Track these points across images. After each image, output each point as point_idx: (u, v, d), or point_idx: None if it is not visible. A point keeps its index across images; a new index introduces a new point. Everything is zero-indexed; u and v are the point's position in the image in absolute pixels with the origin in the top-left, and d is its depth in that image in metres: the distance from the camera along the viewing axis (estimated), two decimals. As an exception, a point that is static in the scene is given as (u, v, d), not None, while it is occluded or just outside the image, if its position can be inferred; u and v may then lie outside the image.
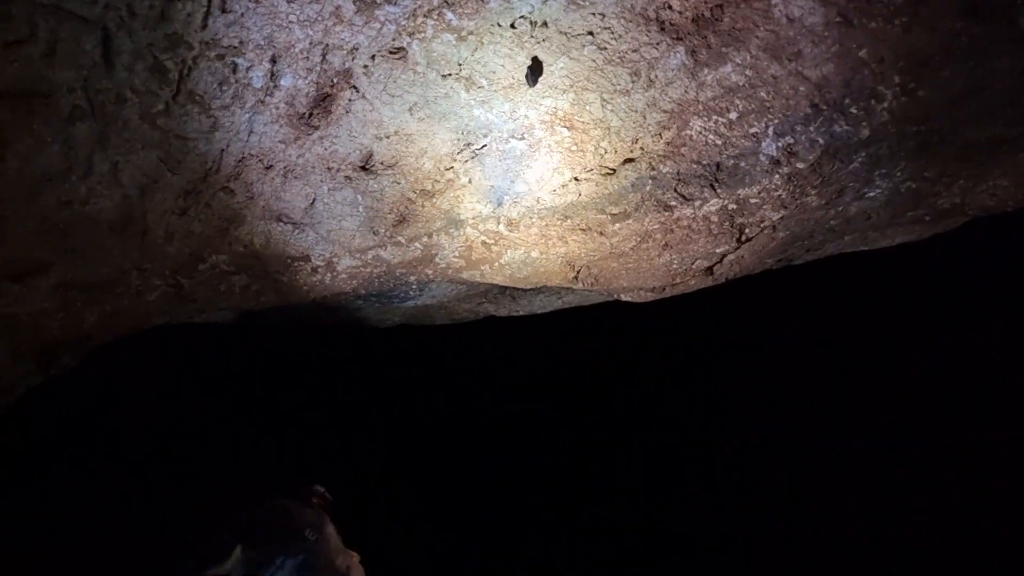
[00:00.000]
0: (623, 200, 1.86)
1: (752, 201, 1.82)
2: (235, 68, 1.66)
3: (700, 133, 1.73)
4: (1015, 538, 3.31)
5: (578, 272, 2.03)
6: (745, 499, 4.08)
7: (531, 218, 1.92)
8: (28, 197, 1.72)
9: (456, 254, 2.02)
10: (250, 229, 1.94)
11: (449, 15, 1.60)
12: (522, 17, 1.62)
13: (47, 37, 1.53)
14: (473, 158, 1.83)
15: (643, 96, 1.69)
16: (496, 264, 2.04)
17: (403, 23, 1.61)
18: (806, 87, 1.64)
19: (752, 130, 1.71)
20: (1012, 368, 3.68)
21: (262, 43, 1.63)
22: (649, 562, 4.00)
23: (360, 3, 1.56)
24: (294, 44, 1.64)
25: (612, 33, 1.62)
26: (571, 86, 1.71)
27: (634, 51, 1.64)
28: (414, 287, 2.21)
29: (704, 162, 1.77)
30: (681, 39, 1.60)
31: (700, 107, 1.69)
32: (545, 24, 1.62)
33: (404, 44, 1.66)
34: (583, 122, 1.75)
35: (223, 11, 1.55)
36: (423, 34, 1.64)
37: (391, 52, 1.68)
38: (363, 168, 1.85)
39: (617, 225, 1.90)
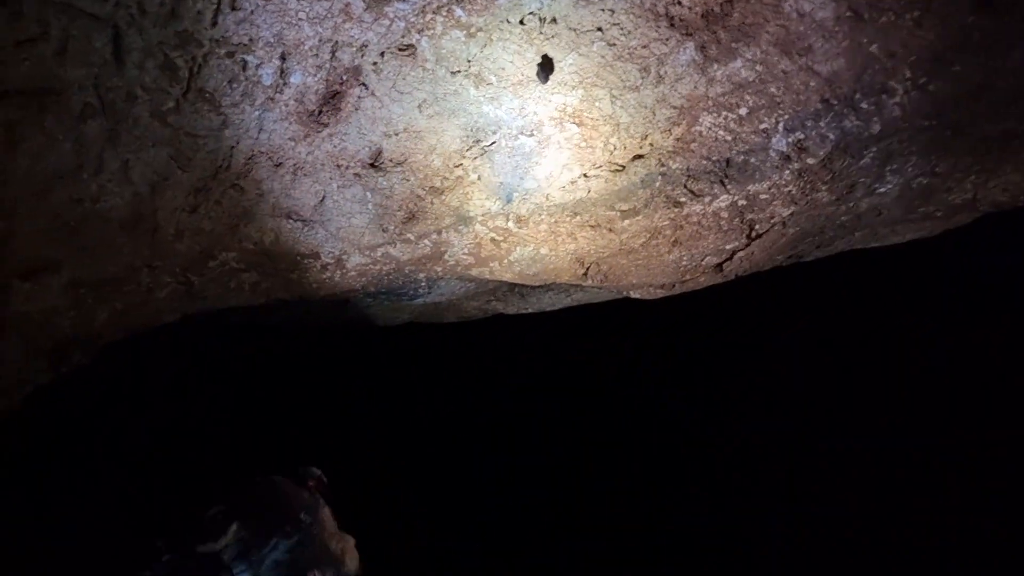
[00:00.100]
0: (633, 196, 1.85)
1: (762, 197, 1.82)
2: (245, 66, 1.67)
3: (710, 129, 1.72)
4: (1018, 538, 3.29)
5: (587, 269, 2.03)
6: (752, 499, 4.06)
7: (540, 215, 1.92)
8: (39, 195, 1.73)
9: (465, 251, 2.02)
10: (260, 226, 1.95)
11: (458, 11, 1.60)
12: (531, 13, 1.62)
13: (59, 35, 1.54)
14: (482, 155, 1.83)
15: (653, 92, 1.69)
16: (505, 261, 2.04)
17: (412, 20, 1.61)
18: (817, 82, 1.63)
19: (762, 126, 1.70)
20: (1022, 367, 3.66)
21: (272, 40, 1.63)
22: (656, 562, 3.99)
23: (370, 0, 1.56)
24: (303, 41, 1.65)
25: (621, 29, 1.62)
26: (580, 82, 1.70)
27: (644, 47, 1.64)
28: (423, 284, 2.21)
29: (714, 158, 1.76)
30: (691, 35, 1.60)
31: (710, 103, 1.68)
32: (554, 20, 1.62)
33: (413, 41, 1.66)
34: (592, 118, 1.74)
35: (233, 9, 1.55)
36: (432, 31, 1.64)
37: (400, 49, 1.68)
38: (372, 165, 1.85)
39: (627, 222, 1.89)
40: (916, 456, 3.66)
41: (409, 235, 1.99)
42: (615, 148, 1.78)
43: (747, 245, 1.94)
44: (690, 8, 1.58)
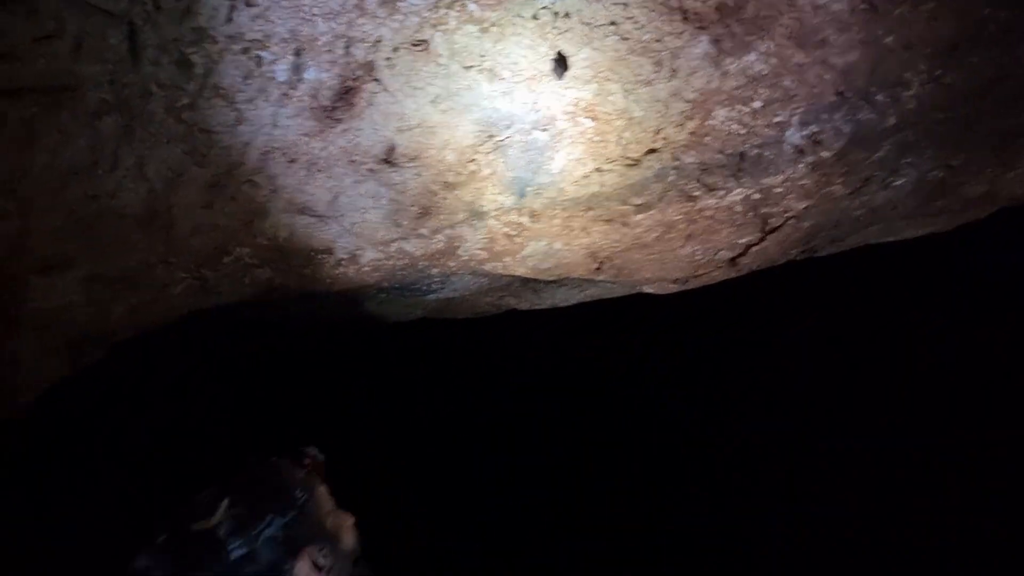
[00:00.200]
0: (646, 191, 1.85)
1: (776, 191, 1.81)
2: (259, 62, 1.67)
3: (724, 122, 1.72)
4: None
5: (601, 263, 2.03)
6: (759, 498, 4.04)
7: (554, 209, 1.92)
8: (55, 191, 1.75)
9: (479, 246, 2.02)
10: (274, 222, 1.95)
11: (472, 6, 1.60)
12: (544, 8, 1.62)
13: (74, 32, 1.55)
14: (496, 150, 1.83)
15: (666, 86, 1.69)
16: (519, 256, 2.04)
17: (426, 15, 1.61)
18: (831, 75, 1.63)
19: (776, 119, 1.70)
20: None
21: (286, 36, 1.63)
22: (666, 562, 3.98)
23: (383, -5, 1.57)
24: (318, 37, 1.65)
25: (635, 23, 1.61)
26: (594, 77, 1.70)
27: (657, 41, 1.63)
28: (437, 280, 2.22)
29: (728, 152, 1.76)
30: (704, 28, 1.60)
31: (724, 96, 1.68)
32: (567, 15, 1.62)
33: (427, 36, 1.66)
34: (606, 113, 1.74)
35: (248, 5, 1.56)
36: (446, 26, 1.64)
37: (414, 44, 1.68)
38: (386, 161, 1.86)
39: (640, 216, 1.89)
40: (925, 455, 3.64)
41: (423, 230, 1.99)
42: (628, 142, 1.78)
43: (761, 239, 1.94)
44: (704, 1, 1.57)
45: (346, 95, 1.75)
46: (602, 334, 4.02)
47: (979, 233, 2.33)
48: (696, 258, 2.00)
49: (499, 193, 1.90)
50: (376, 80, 1.73)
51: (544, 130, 1.79)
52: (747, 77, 1.65)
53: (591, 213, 1.91)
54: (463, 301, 2.59)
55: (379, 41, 1.67)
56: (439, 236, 2.01)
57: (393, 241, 2.03)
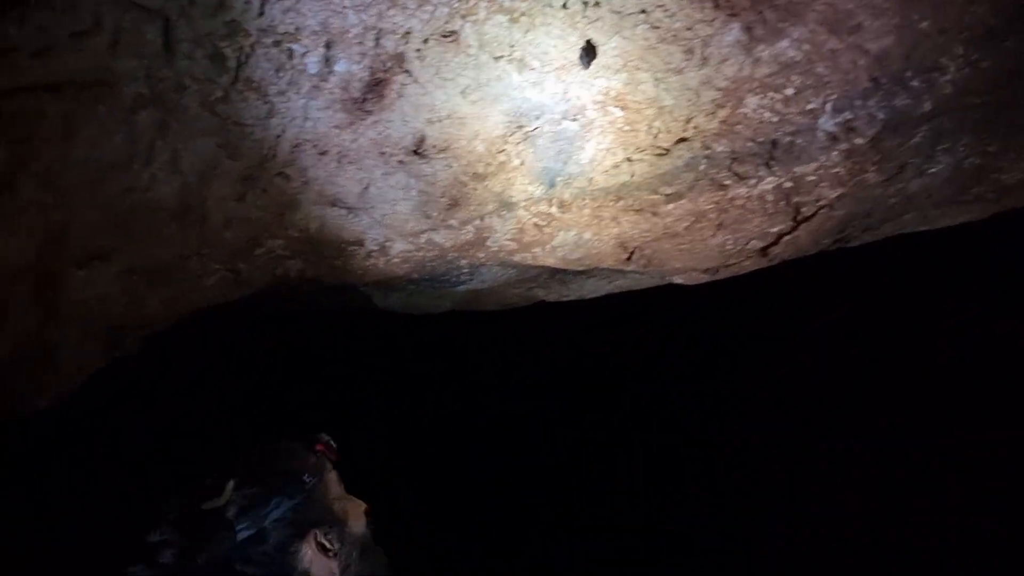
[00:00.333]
0: (676, 180, 1.84)
1: (809, 179, 1.79)
2: (291, 54, 1.69)
3: (755, 110, 1.70)
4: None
5: (631, 253, 2.03)
6: (779, 496, 3.99)
7: (583, 199, 1.92)
8: (93, 185, 1.78)
9: (508, 236, 2.03)
10: (305, 214, 1.97)
11: (501, -4, 1.61)
12: (574, -4, 1.61)
13: (111, 27, 1.57)
14: (525, 140, 1.83)
15: (697, 74, 1.67)
16: (548, 246, 2.04)
17: (456, 5, 1.61)
18: (866, 61, 1.61)
19: (809, 106, 1.68)
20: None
21: (317, 29, 1.65)
22: (682, 562, 3.95)
23: (413, -14, 1.57)
24: (348, 29, 1.66)
25: (665, 11, 1.60)
26: (624, 66, 1.69)
27: (688, 29, 1.62)
28: (465, 271, 2.23)
29: (759, 140, 1.74)
30: (736, 15, 1.58)
31: (755, 84, 1.66)
32: (597, 3, 1.61)
33: (456, 27, 1.66)
34: (636, 102, 1.73)
35: (280, -2, 1.58)
36: (475, 16, 1.65)
37: (443, 35, 1.69)
38: (416, 152, 1.86)
39: (670, 205, 1.88)
40: (950, 454, 3.56)
41: (452, 221, 2.00)
42: (659, 131, 1.77)
43: (793, 228, 1.92)
44: (735, -12, 1.56)
45: (376, 87, 1.76)
46: (628, 326, 3.99)
47: (1015, 223, 2.29)
48: (727, 248, 1.99)
49: (529, 183, 1.91)
50: (406, 72, 1.73)
51: (574, 120, 1.79)
52: (779, 64, 1.63)
53: (621, 203, 1.91)
54: (491, 293, 2.59)
55: (409, 32, 1.68)
56: (468, 227, 2.02)
57: (423, 232, 2.04)
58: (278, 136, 1.82)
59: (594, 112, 1.77)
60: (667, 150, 1.80)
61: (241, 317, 2.58)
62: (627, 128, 1.78)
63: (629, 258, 2.04)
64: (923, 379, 3.70)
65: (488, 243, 2.05)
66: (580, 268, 2.14)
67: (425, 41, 1.69)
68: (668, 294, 2.57)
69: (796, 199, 1.84)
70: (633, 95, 1.73)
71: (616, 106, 1.75)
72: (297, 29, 1.65)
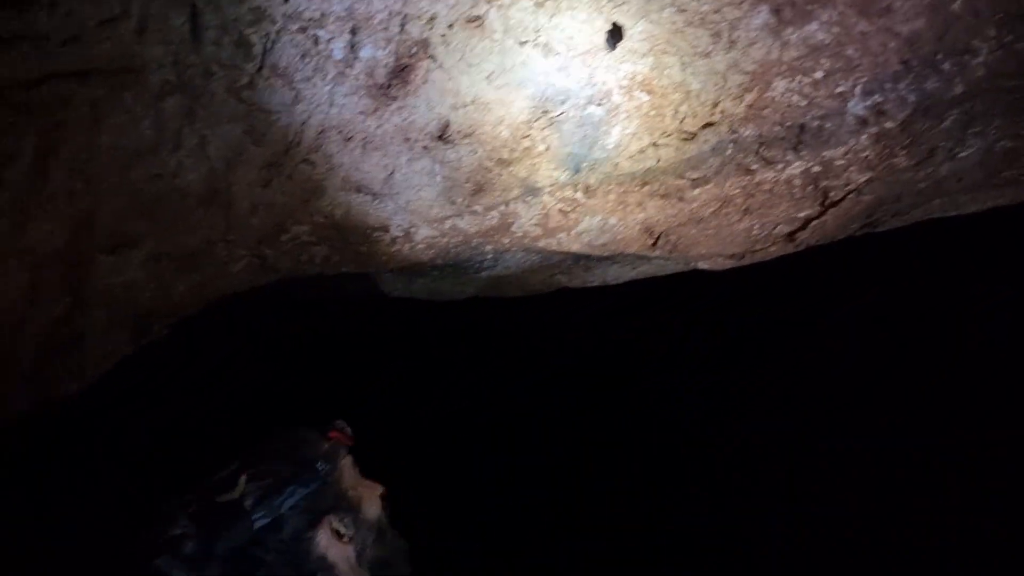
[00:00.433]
0: (703, 165, 1.83)
1: (837, 163, 1.78)
2: (316, 40, 1.69)
3: (783, 94, 1.68)
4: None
5: (656, 239, 2.01)
6: (801, 492, 3.93)
7: (609, 184, 1.91)
8: (121, 171, 1.79)
9: (533, 222, 2.02)
10: (330, 200, 1.98)
11: (527, -20, 1.60)
12: (600, -20, 1.60)
13: (138, 14, 1.59)
14: (550, 125, 1.82)
15: (724, 58, 1.66)
16: (573, 232, 2.03)
17: (481, -10, 1.61)
18: (896, 43, 1.59)
19: (838, 89, 1.66)
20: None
21: (343, 15, 1.65)
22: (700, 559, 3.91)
23: (439, -29, 1.57)
24: (374, 15, 1.66)
25: (692, -7, 1.59)
26: (650, 50, 1.68)
27: (715, 12, 1.61)
28: (490, 257, 2.22)
29: (787, 124, 1.73)
30: (765, -3, 1.57)
31: (784, 67, 1.65)
32: (623, -13, 1.60)
33: (482, 12, 1.66)
34: (662, 86, 1.72)
35: (306, -17, 1.58)
36: (500, 1, 1.64)
37: (469, 20, 1.68)
38: (440, 138, 1.86)
39: (697, 190, 1.87)
40: (978, 449, 3.49)
41: (477, 207, 2.00)
42: (685, 116, 1.76)
43: (821, 214, 1.90)
44: (764, -30, 1.54)
45: (401, 73, 1.76)
46: (651, 312, 3.97)
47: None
48: (753, 233, 1.97)
49: (554, 169, 1.90)
50: (431, 57, 1.73)
51: (599, 105, 1.78)
52: (808, 47, 1.61)
53: (647, 188, 1.90)
54: (514, 279, 2.59)
55: (434, 18, 1.67)
56: (493, 213, 2.02)
57: (447, 218, 2.04)
58: (303, 122, 1.83)
59: (620, 97, 1.76)
60: (693, 135, 1.79)
61: (266, 303, 2.60)
62: (653, 113, 1.77)
63: (654, 244, 2.03)
64: (951, 368, 3.64)
65: (513, 229, 2.05)
66: (605, 254, 2.13)
67: (450, 26, 1.68)
68: (692, 280, 2.55)
69: (824, 184, 1.83)
70: (659, 79, 1.72)
71: (642, 91, 1.74)
72: (323, 15, 1.65)
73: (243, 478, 1.42)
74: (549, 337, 4.25)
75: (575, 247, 2.08)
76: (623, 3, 1.62)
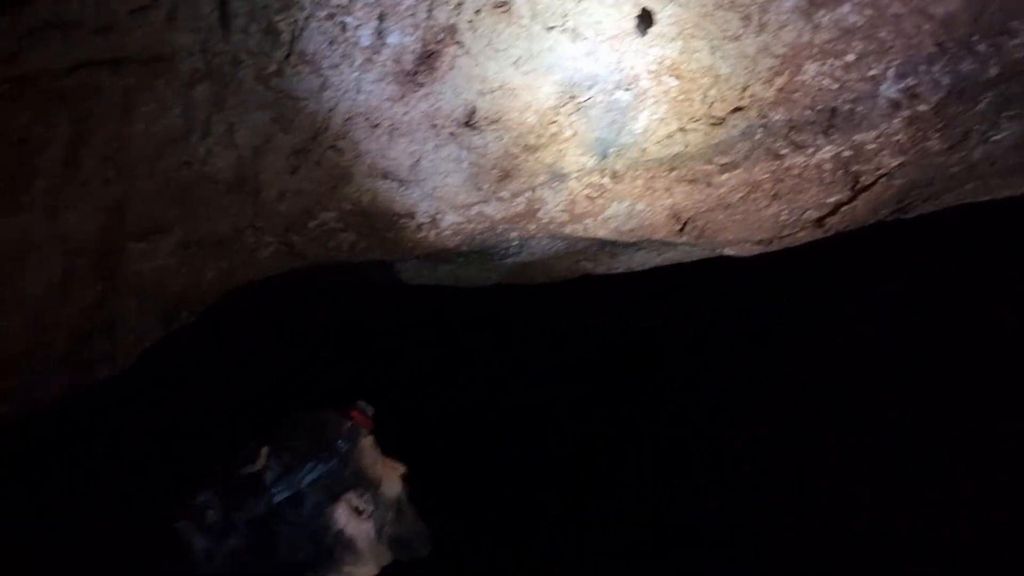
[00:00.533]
0: (732, 150, 1.82)
1: (869, 147, 1.76)
2: (344, 27, 1.69)
3: (814, 78, 1.67)
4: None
5: (684, 225, 2.00)
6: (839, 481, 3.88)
7: (636, 170, 1.90)
8: (152, 159, 1.81)
9: (560, 208, 2.02)
10: (358, 187, 1.98)
11: (555, -36, 1.59)
12: (628, -36, 1.59)
13: (169, 3, 1.60)
14: (577, 111, 1.82)
15: (754, 41, 1.64)
16: (600, 217, 2.02)
17: (509, -25, 1.60)
18: (930, 25, 1.56)
19: (871, 72, 1.64)
20: None
21: (370, 1, 1.66)
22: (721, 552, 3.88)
23: (467, -45, 1.56)
24: (401, 1, 1.67)
25: (722, -24, 1.57)
26: (679, 34, 1.67)
27: (745, -6, 1.59)
28: (515, 243, 2.22)
29: (818, 108, 1.71)
30: (796, -21, 1.55)
31: (815, 50, 1.63)
32: (652, -30, 1.59)
33: (509, -3, 1.66)
34: (691, 70, 1.71)
35: (334, -31, 1.58)
36: (528, -14, 1.64)
37: (496, 6, 1.68)
38: (467, 124, 1.86)
39: (725, 176, 1.86)
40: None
41: (503, 193, 2.00)
42: (714, 101, 1.75)
43: (851, 199, 1.89)
44: (795, -49, 1.52)
45: (428, 59, 1.76)
46: (676, 299, 3.94)
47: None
48: (782, 218, 1.96)
49: (581, 154, 1.89)
50: (458, 43, 1.73)
51: (627, 90, 1.77)
52: (840, 29, 1.59)
53: (674, 173, 1.89)
54: (539, 265, 2.59)
55: (461, 3, 1.67)
56: (519, 199, 2.01)
57: (473, 205, 2.04)
58: (330, 109, 1.83)
59: (648, 82, 1.75)
60: (722, 119, 1.77)
61: (290, 291, 2.61)
62: (681, 97, 1.76)
63: (682, 229, 2.02)
64: (981, 357, 3.58)
65: (539, 215, 2.05)
66: (631, 240, 2.12)
67: (477, 12, 1.68)
68: (718, 267, 2.54)
69: (855, 168, 1.81)
70: (688, 64, 1.70)
71: (671, 75, 1.73)
72: (350, 2, 1.65)
73: (264, 452, 1.47)
74: (571, 325, 4.23)
75: (602, 233, 2.08)
76: (651, -14, 1.61)
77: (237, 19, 1.64)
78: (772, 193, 1.88)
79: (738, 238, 2.05)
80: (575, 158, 1.90)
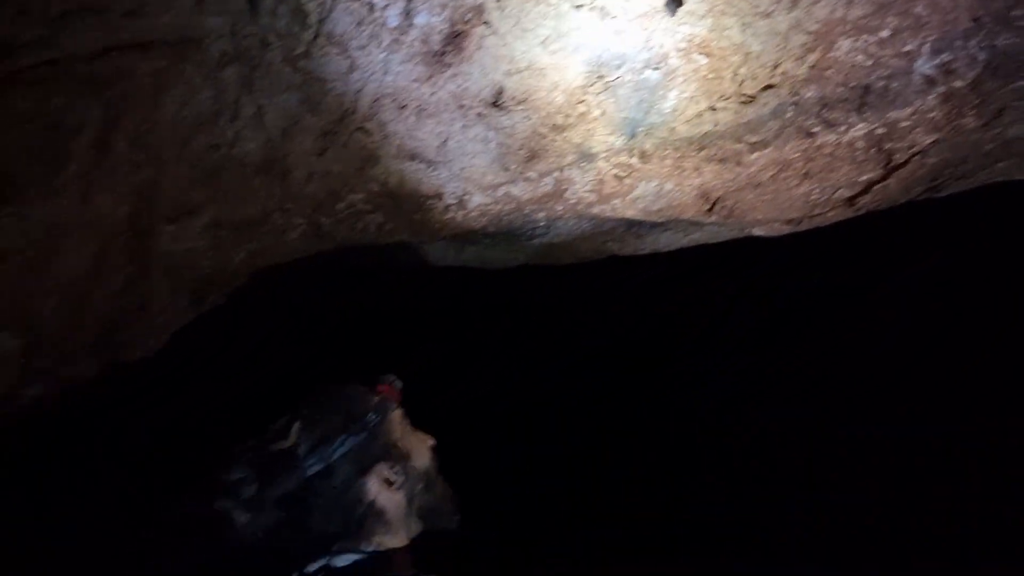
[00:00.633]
0: (762, 128, 1.80)
1: (903, 124, 1.73)
2: (371, 8, 1.68)
3: (848, 54, 1.64)
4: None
5: (713, 204, 1.99)
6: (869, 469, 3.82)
7: (665, 149, 1.89)
8: (182, 141, 1.82)
9: (587, 188, 2.01)
10: (385, 168, 1.99)
11: (584, -59, 1.57)
12: (658, -60, 1.57)
13: (197, -16, 1.59)
14: (606, 90, 1.80)
15: (786, 18, 1.62)
16: (628, 197, 2.02)
17: (537, -48, 1.59)
18: (967, -1, 1.54)
19: (906, 48, 1.61)
20: None
21: (398, -20, 1.64)
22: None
23: (495, -67, 1.55)
24: (428, -20, 1.65)
25: (754, -49, 1.55)
26: (709, 11, 1.65)
27: (777, -30, 1.57)
28: (542, 224, 2.22)
29: (851, 85, 1.69)
30: (829, -46, 1.52)
31: (848, 26, 1.60)
32: (682, -53, 1.57)
33: (537, -25, 1.64)
34: (721, 48, 1.69)
35: (362, -51, 1.57)
36: (556, -36, 1.62)
37: (524, -16, 1.66)
38: (494, 104, 1.86)
39: (755, 155, 1.84)
40: None
41: (531, 173, 1.99)
42: (744, 79, 1.73)
43: (884, 177, 1.86)
44: (828, -75, 1.50)
45: (456, 39, 1.75)
46: (702, 280, 3.91)
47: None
48: (812, 197, 1.94)
49: (609, 134, 1.88)
50: (486, 23, 1.72)
51: (656, 68, 1.75)
52: (875, 5, 1.57)
53: (703, 152, 1.87)
54: (565, 246, 2.59)
55: (489, -18, 1.66)
56: (547, 179, 2.01)
57: (501, 185, 2.04)
58: (358, 91, 1.83)
59: (677, 60, 1.73)
60: (752, 97, 1.75)
61: (316, 272, 2.63)
62: (711, 76, 1.74)
63: (711, 209, 2.01)
64: (1007, 344, 3.52)
65: (567, 195, 2.04)
66: (659, 220, 2.11)
67: (505, -9, 1.66)
68: (744, 248, 2.52)
69: (888, 146, 1.78)
70: (718, 41, 1.68)
71: (700, 53, 1.71)
72: (378, -19, 1.64)
73: (296, 427, 1.50)
74: (587, 311, 4.21)
75: (630, 213, 2.07)
76: (681, -37, 1.59)
77: (265, 1, 1.64)
78: (803, 172, 1.86)
79: (767, 218, 2.03)
80: (603, 138, 1.89)
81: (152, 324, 2.14)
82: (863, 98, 1.71)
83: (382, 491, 1.51)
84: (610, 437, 4.18)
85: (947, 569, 3.17)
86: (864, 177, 1.87)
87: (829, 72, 1.68)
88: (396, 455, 1.56)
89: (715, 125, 1.81)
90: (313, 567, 1.44)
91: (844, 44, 1.63)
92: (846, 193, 1.93)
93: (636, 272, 3.28)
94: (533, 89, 1.82)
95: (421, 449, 1.63)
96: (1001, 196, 2.26)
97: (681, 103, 1.80)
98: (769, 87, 1.73)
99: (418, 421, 1.70)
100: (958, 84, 1.65)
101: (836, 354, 3.99)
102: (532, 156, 1.95)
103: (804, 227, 2.10)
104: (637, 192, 1.99)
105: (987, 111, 1.74)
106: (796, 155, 1.83)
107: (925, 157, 1.83)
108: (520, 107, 1.85)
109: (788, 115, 1.76)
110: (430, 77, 1.81)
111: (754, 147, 1.83)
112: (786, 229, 2.10)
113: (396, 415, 1.62)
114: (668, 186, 1.96)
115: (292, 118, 1.86)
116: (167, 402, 3.02)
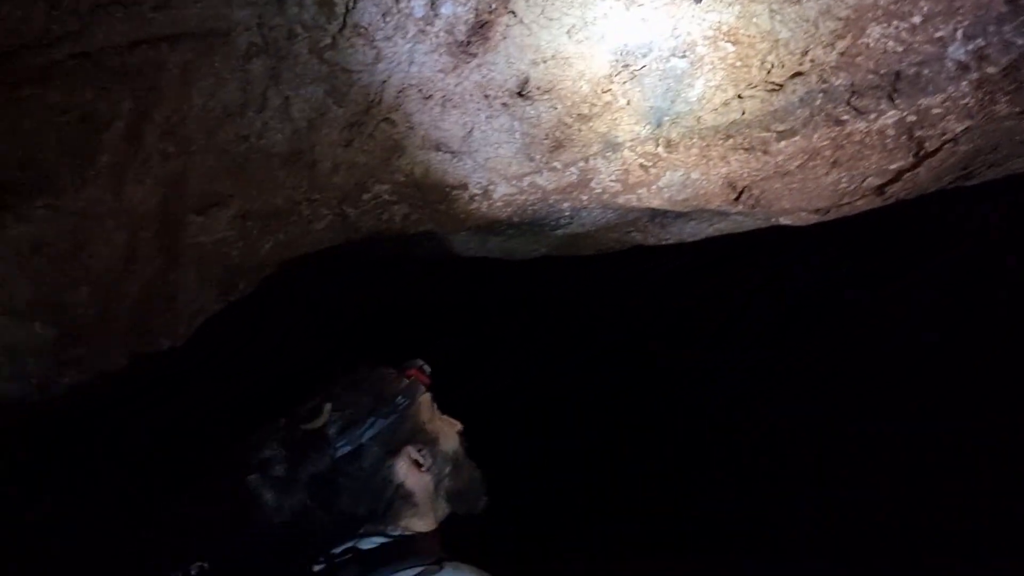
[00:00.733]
0: (790, 116, 1.78)
1: (934, 112, 1.71)
2: (398, -2, 1.69)
3: (878, 40, 1.62)
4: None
5: (740, 193, 1.98)
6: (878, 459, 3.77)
7: (691, 138, 1.88)
8: (211, 133, 1.84)
9: (613, 177, 2.01)
10: (410, 159, 1.99)
11: (611, -71, 1.56)
12: (685, -73, 1.56)
13: (225, -24, 1.60)
14: (632, 79, 1.79)
15: (816, 4, 1.60)
16: (654, 187, 2.01)
17: (563, -60, 1.58)
18: (1002, -17, 1.51)
19: (938, 34, 1.59)
20: None
21: (424, -29, 1.64)
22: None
23: (521, -78, 1.54)
24: (454, -30, 1.65)
25: (783, -63, 1.53)
26: (737, -2, 1.64)
27: (807, -45, 1.55)
28: (567, 214, 2.22)
29: (882, 71, 1.66)
30: (860, -62, 1.50)
31: (879, 12, 1.58)
32: (710, -68, 1.56)
33: (563, -36, 1.63)
34: (749, 35, 1.67)
35: (388, -60, 1.57)
36: (582, -48, 1.61)
37: (549, -27, 1.66)
38: (520, 94, 1.85)
39: (783, 143, 1.82)
40: None
41: (556, 163, 1.99)
42: (772, 66, 1.71)
43: (915, 165, 1.84)
44: (859, -91, 1.48)
45: (481, 29, 1.75)
46: (728, 270, 3.88)
47: None
48: (841, 186, 1.92)
49: (635, 123, 1.87)
50: (511, 12, 1.71)
51: (683, 57, 1.74)
52: (906, -10, 1.55)
53: (730, 141, 1.86)
54: (589, 236, 2.58)
55: (515, -29, 1.65)
56: (572, 169, 2.00)
57: (526, 175, 2.03)
58: (384, 82, 1.84)
59: (704, 48, 1.72)
60: (781, 85, 1.74)
61: (341, 263, 2.64)
62: (739, 64, 1.73)
63: (737, 198, 1.99)
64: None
65: (592, 185, 2.04)
66: (685, 209, 2.10)
67: (531, -20, 1.66)
68: (771, 237, 2.50)
69: (919, 133, 1.76)
70: (746, 28, 1.67)
71: (728, 41, 1.70)
72: (404, -28, 1.64)
73: (328, 407, 1.52)
74: (604, 305, 4.20)
75: (655, 203, 2.06)
76: (709, -50, 1.57)
77: (292, -8, 1.65)
78: (832, 160, 1.84)
79: (795, 207, 2.02)
80: (629, 127, 1.89)
81: (181, 314, 2.17)
82: (894, 85, 1.68)
83: (410, 473, 1.53)
84: (626, 431, 4.18)
85: (959, 566, 3.15)
86: (894, 165, 1.84)
87: (859, 59, 1.66)
88: (424, 438, 1.58)
89: (742, 113, 1.80)
90: (339, 549, 1.46)
91: (875, 30, 1.61)
92: (875, 182, 1.90)
93: (659, 263, 3.27)
94: (558, 79, 1.81)
95: (449, 433, 1.65)
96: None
97: (708, 91, 1.78)
98: (798, 74, 1.71)
99: (440, 412, 1.71)
100: (991, 70, 1.62)
101: (863, 347, 3.95)
102: (557, 146, 1.94)
103: (832, 216, 2.08)
104: (663, 181, 1.98)
105: (1021, 98, 1.70)
106: (825, 143, 1.81)
107: (956, 144, 1.80)
108: (545, 97, 1.85)
109: (817, 103, 1.75)
110: (455, 67, 1.81)
111: (782, 135, 1.81)
112: (813, 219, 2.08)
113: (425, 399, 1.64)
114: (694, 175, 1.95)
115: (318, 109, 1.87)
116: (193, 392, 3.05)
